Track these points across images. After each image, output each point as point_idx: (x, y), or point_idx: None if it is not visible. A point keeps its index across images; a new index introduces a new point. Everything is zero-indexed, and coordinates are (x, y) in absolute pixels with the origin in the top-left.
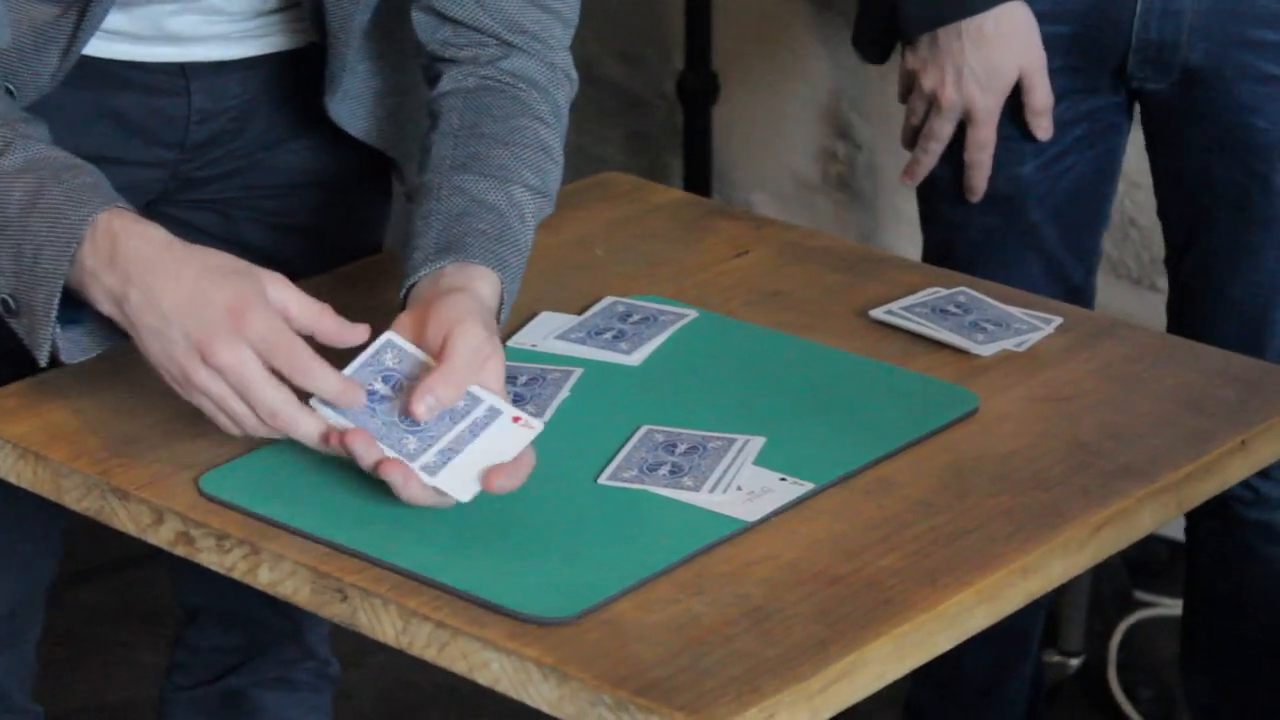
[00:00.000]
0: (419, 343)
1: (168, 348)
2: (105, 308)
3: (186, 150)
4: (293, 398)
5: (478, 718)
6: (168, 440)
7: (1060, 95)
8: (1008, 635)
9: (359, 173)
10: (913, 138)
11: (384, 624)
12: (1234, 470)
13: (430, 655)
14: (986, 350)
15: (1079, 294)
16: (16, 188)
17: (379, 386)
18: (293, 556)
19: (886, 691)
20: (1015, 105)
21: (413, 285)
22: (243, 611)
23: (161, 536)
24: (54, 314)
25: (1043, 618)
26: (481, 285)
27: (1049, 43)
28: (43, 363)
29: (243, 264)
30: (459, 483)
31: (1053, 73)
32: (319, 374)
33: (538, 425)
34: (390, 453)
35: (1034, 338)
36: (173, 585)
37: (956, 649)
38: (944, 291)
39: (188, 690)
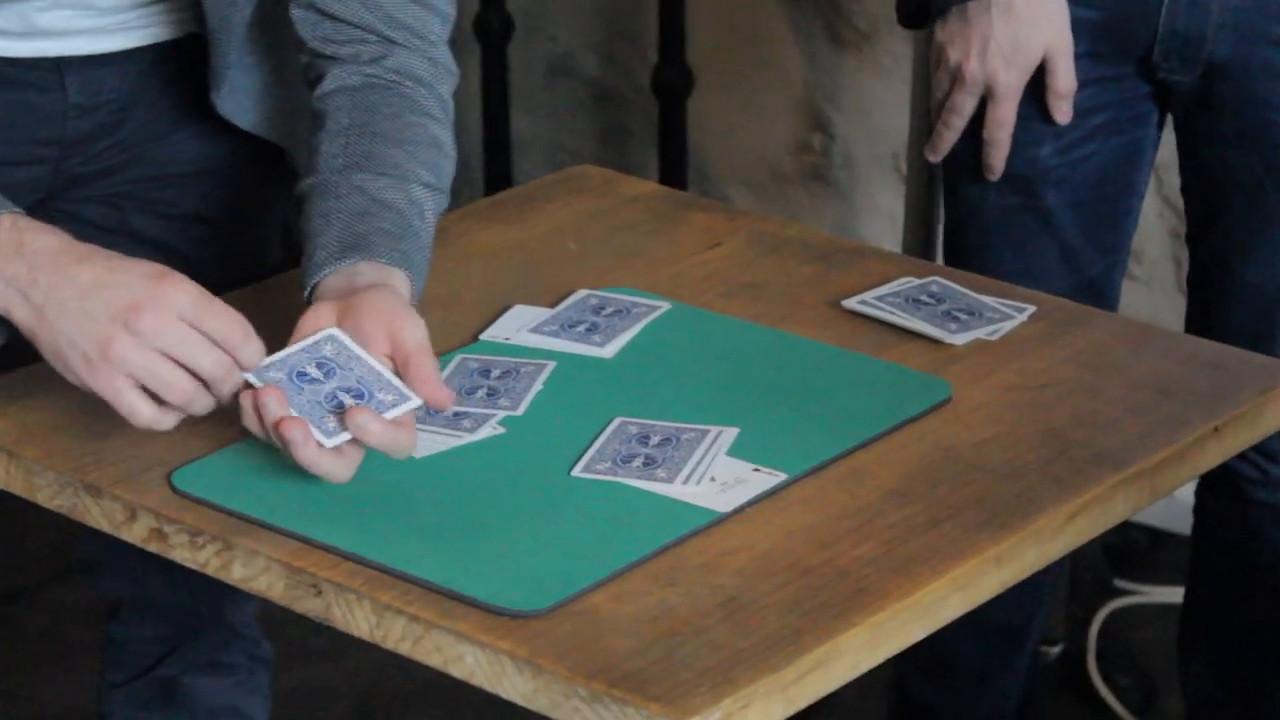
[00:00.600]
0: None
1: (84, 322)
2: (1, 299)
3: (67, 146)
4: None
5: (458, 713)
6: (140, 438)
7: (1084, 81)
8: (1005, 628)
9: (250, 159)
10: (938, 112)
11: (358, 619)
12: (1208, 457)
13: (405, 649)
14: (960, 339)
15: (1095, 287)
16: None
17: (311, 370)
18: (266, 552)
19: (869, 680)
20: (1038, 86)
21: (318, 282)
22: (163, 600)
23: (135, 534)
24: None
25: (1043, 612)
26: (397, 283)
27: (1075, 27)
28: None
29: (152, 265)
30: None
31: (1077, 58)
32: (252, 339)
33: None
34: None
35: (1007, 326)
36: (97, 581)
37: (951, 641)
38: (917, 281)
39: (122, 686)
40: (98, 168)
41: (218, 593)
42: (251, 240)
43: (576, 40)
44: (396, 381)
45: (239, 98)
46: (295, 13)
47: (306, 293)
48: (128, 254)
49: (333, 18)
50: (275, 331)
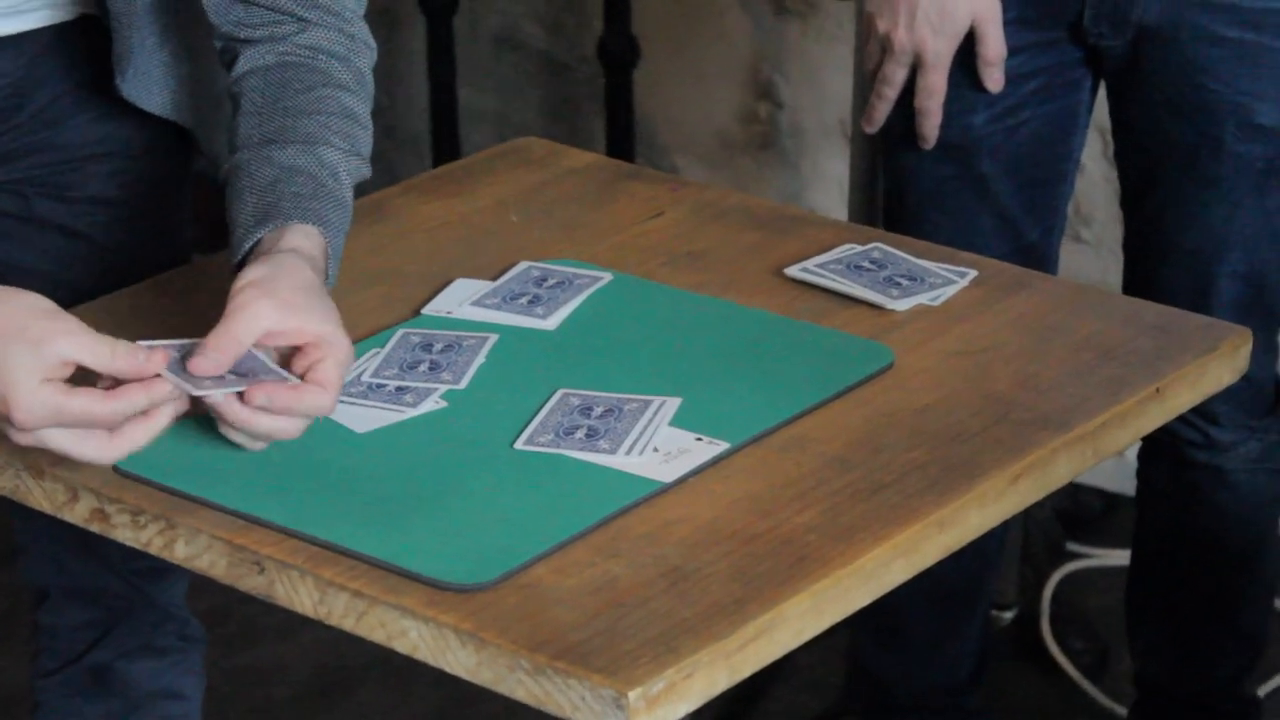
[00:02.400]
0: None
1: None
2: None
3: None
4: (96, 398)
5: (411, 688)
6: None
7: (1015, 48)
8: (955, 594)
9: (155, 140)
10: (871, 83)
11: (301, 595)
12: (1150, 418)
13: (348, 625)
14: (901, 305)
15: (1033, 252)
16: None
17: (175, 354)
18: (208, 530)
19: (827, 648)
20: (970, 54)
21: (241, 264)
22: (90, 585)
23: (77, 514)
24: None
25: (993, 576)
26: (297, 240)
27: None
28: None
29: (20, 322)
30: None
31: (1007, 24)
32: (101, 413)
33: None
34: (173, 379)
35: (949, 291)
36: (20, 567)
37: (903, 607)
38: (859, 248)
39: (55, 674)
40: None
41: (147, 575)
42: (161, 222)
43: (522, 12)
44: (281, 371)
45: (142, 80)
46: None
47: (234, 269)
48: (33, 240)
49: (245, 2)
50: (197, 318)
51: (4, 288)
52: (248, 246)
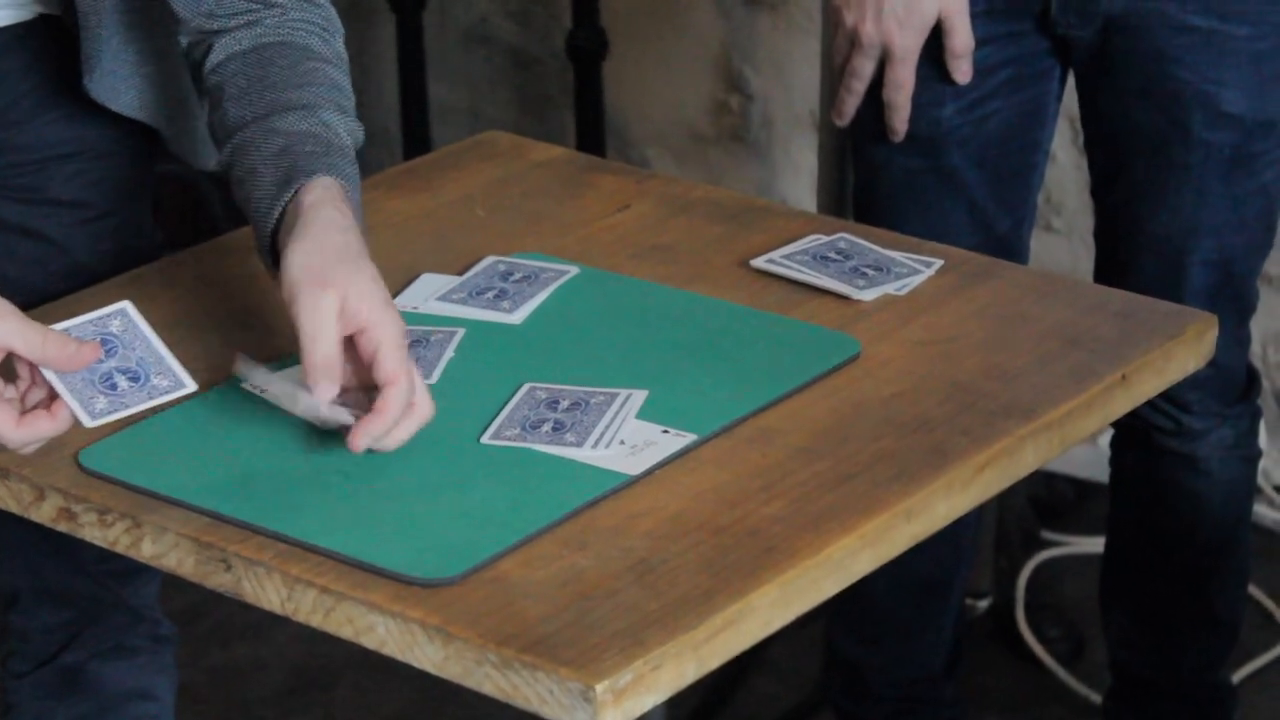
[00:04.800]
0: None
1: None
2: None
3: None
4: (9, 421)
5: (388, 684)
6: None
7: (983, 40)
8: (930, 583)
9: (119, 140)
10: (839, 77)
11: (268, 592)
12: (1116, 405)
13: (316, 621)
14: (868, 295)
15: (1004, 244)
16: None
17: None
18: (175, 528)
19: (803, 640)
20: (937, 47)
21: (274, 235)
22: (61, 586)
23: (44, 514)
24: None
25: (965, 566)
26: (318, 194)
27: None
28: None
29: None
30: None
31: (975, 16)
32: (12, 439)
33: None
34: (69, 399)
35: (915, 281)
36: None
37: (877, 598)
38: (824, 238)
39: (27, 675)
40: None
41: (118, 577)
42: (125, 223)
43: (491, 7)
44: (177, 366)
45: (109, 80)
46: None
47: (267, 251)
48: None
49: None
50: (161, 316)
51: None
52: (275, 217)
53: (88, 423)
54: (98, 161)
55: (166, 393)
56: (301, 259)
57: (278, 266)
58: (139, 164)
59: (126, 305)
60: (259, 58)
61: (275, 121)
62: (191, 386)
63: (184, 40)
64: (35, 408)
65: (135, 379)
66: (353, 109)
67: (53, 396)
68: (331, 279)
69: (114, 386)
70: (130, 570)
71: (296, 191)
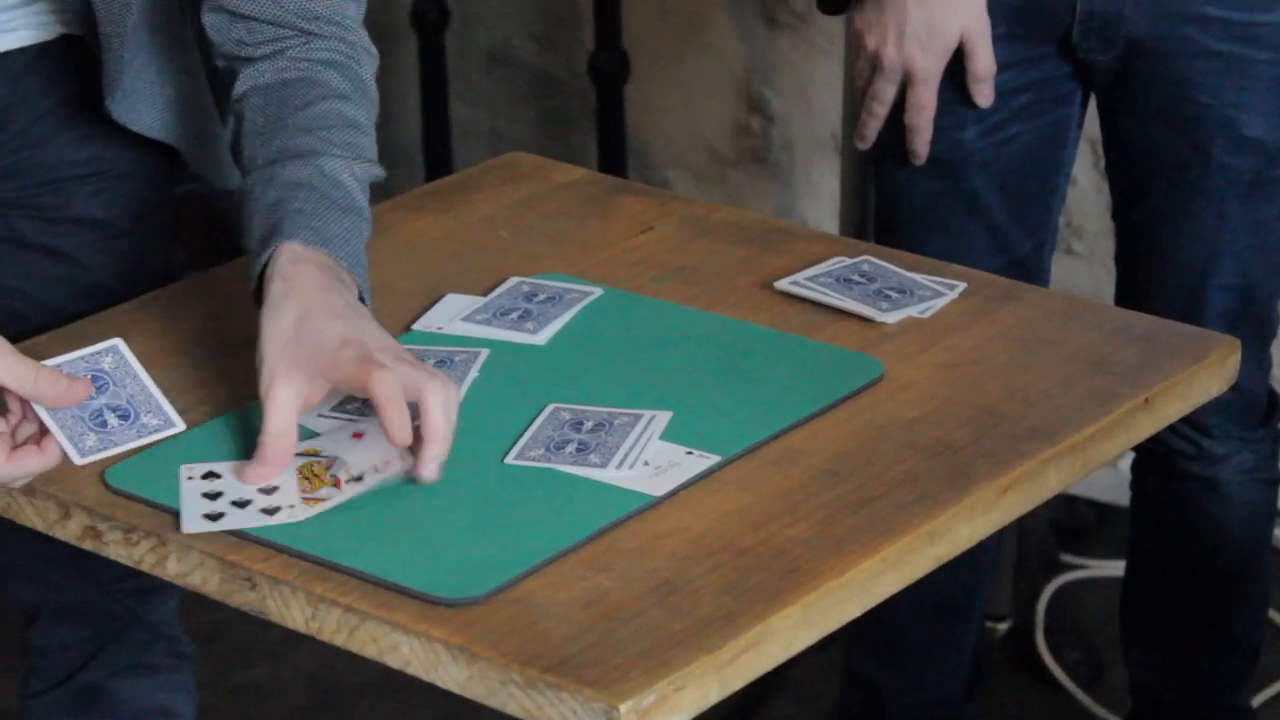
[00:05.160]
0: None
1: None
2: None
3: None
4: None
5: (408, 704)
6: None
7: (1005, 63)
8: (950, 606)
9: (139, 160)
10: (861, 100)
11: (293, 611)
12: (1139, 428)
13: (340, 641)
14: (891, 318)
15: (1024, 267)
16: None
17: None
18: (200, 547)
19: (823, 662)
20: (959, 70)
21: (260, 287)
22: (81, 604)
23: (69, 532)
24: None
25: (985, 589)
26: (297, 254)
27: (993, 9)
28: None
29: None
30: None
31: (996, 40)
32: (11, 470)
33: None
34: (60, 435)
35: (938, 304)
36: (7, 589)
37: (897, 620)
38: (848, 261)
39: (46, 694)
40: None
41: (137, 594)
42: (146, 243)
43: (514, 28)
44: (166, 405)
45: (131, 101)
46: (207, 18)
47: (253, 295)
48: (18, 261)
49: (246, 18)
50: (183, 337)
51: None
52: (257, 272)
53: (77, 460)
54: (118, 181)
55: (155, 431)
56: (275, 339)
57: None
58: (159, 183)
59: (118, 342)
60: (277, 95)
61: (276, 170)
62: (180, 426)
63: (219, 64)
64: (26, 442)
65: (125, 417)
66: (369, 145)
67: (43, 431)
68: (303, 364)
69: (104, 424)
70: (149, 588)
71: (275, 248)
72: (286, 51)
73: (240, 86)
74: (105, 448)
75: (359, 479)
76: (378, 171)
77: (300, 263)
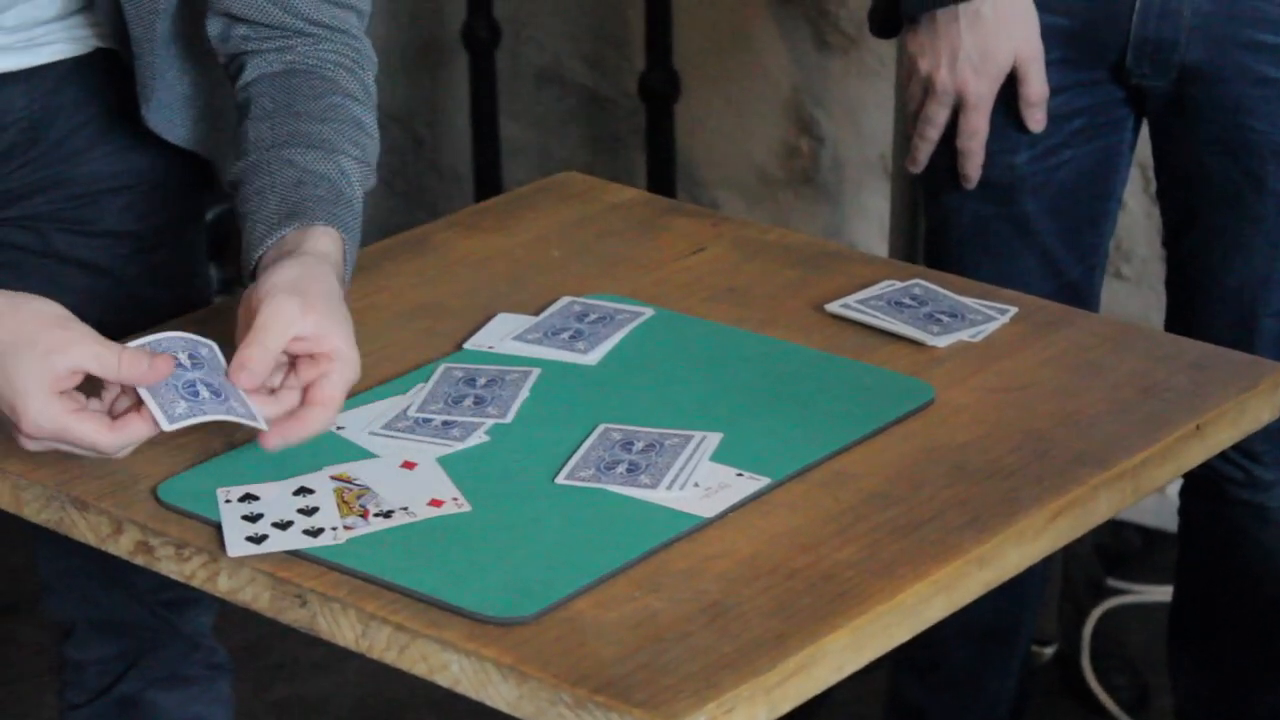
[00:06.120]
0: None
1: None
2: None
3: None
4: (101, 430)
5: None
6: None
7: (1058, 88)
8: (996, 630)
9: (170, 172)
10: (913, 124)
11: (343, 628)
12: (1190, 455)
13: (390, 658)
14: (942, 341)
15: (1075, 291)
16: None
17: (182, 358)
18: (251, 563)
19: (865, 684)
20: (1012, 94)
21: (260, 257)
22: (117, 617)
23: (121, 547)
24: None
25: (1032, 615)
26: (322, 243)
27: (1047, 34)
28: None
29: (29, 331)
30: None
31: (1050, 65)
32: (104, 443)
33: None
34: (150, 402)
35: (989, 328)
36: (44, 604)
37: (943, 643)
38: (899, 284)
39: (83, 707)
40: (10, 188)
41: (174, 606)
42: (178, 255)
43: (564, 47)
44: (252, 404)
45: (165, 111)
46: (211, 21)
47: (250, 270)
48: (53, 275)
49: (248, 22)
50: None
51: (14, 295)
52: (270, 243)
53: (166, 426)
54: (150, 193)
55: (242, 417)
56: (293, 276)
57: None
58: (190, 196)
59: (213, 344)
60: (286, 84)
61: (293, 153)
62: (264, 425)
63: (223, 61)
64: (125, 413)
65: (217, 394)
66: (373, 148)
67: (139, 402)
68: (311, 302)
69: (196, 394)
70: (184, 600)
71: (298, 229)
72: (295, 48)
73: (248, 75)
74: (194, 415)
75: (387, 514)
76: (373, 180)
77: (324, 253)
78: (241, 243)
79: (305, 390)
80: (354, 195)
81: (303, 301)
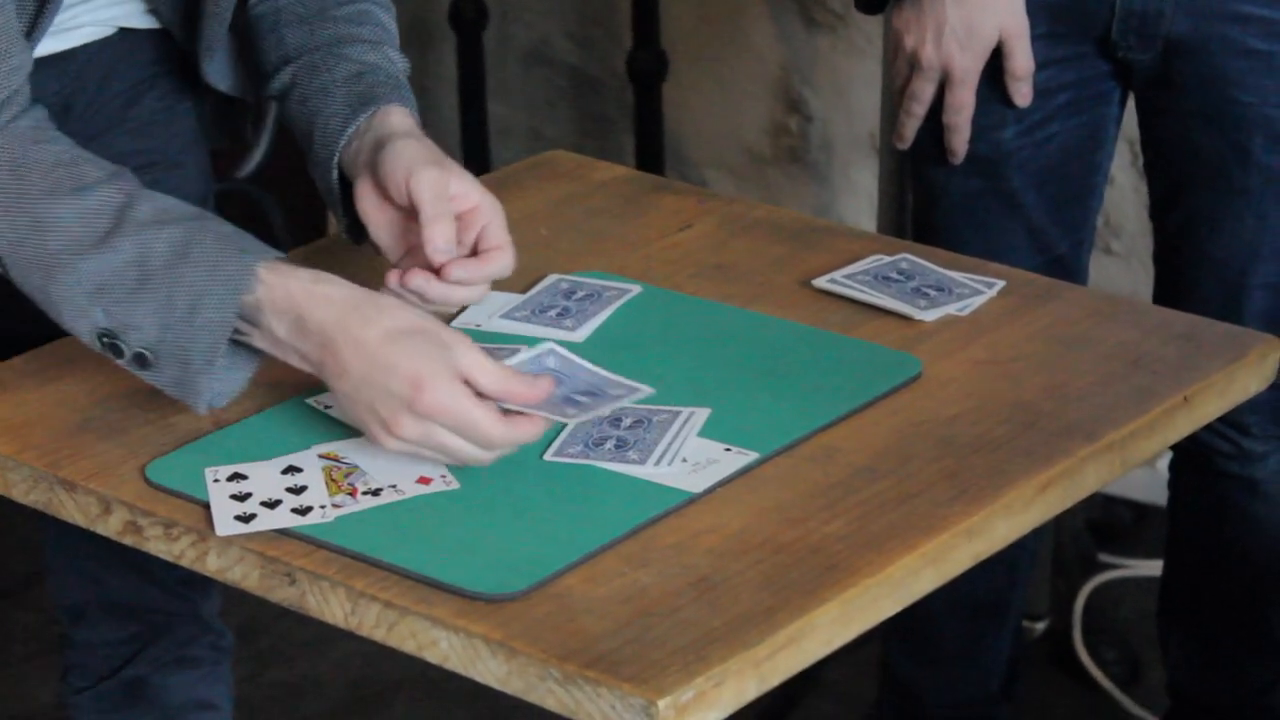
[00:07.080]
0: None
1: (360, 413)
2: (294, 362)
3: None
4: (499, 422)
5: (446, 701)
6: (114, 430)
7: (1043, 62)
8: (986, 605)
9: (186, 148)
10: (899, 100)
11: (332, 606)
12: (1178, 427)
13: (379, 636)
14: (929, 315)
15: (1063, 265)
16: (161, 239)
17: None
18: (240, 542)
19: (860, 660)
20: (997, 69)
21: (343, 148)
22: (128, 600)
23: (110, 527)
24: (218, 363)
25: (1022, 590)
26: (406, 121)
27: (1032, 9)
28: (202, 411)
29: (428, 325)
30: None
31: (1035, 39)
32: (497, 435)
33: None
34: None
35: (976, 302)
36: (50, 589)
37: (934, 619)
38: (886, 259)
39: (89, 689)
40: None
41: (191, 584)
42: None
43: (552, 27)
44: (625, 379)
45: (218, 65)
46: None
47: (335, 165)
48: None
49: None
50: None
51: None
52: (350, 131)
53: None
54: (170, 171)
55: (629, 396)
56: (417, 150)
57: (341, 183)
58: (203, 177)
59: (554, 345)
60: None
61: (344, 49)
62: (648, 390)
63: None
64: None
65: (593, 394)
66: (403, 63)
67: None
68: (449, 166)
69: (576, 404)
70: (201, 577)
71: (374, 114)
72: None
73: None
74: (591, 410)
75: (375, 493)
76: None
77: (412, 129)
78: (309, 140)
79: (475, 243)
80: (406, 83)
81: (440, 170)
